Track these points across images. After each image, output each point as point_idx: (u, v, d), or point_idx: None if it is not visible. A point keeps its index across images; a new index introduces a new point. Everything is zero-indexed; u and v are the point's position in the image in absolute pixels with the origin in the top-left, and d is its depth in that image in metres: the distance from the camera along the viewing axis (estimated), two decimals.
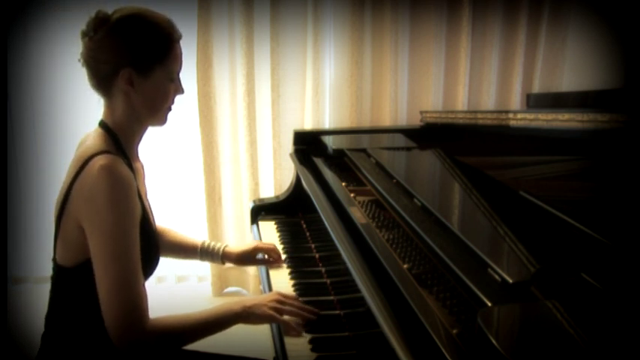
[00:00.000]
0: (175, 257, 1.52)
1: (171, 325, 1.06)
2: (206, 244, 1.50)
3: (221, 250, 1.49)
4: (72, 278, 1.11)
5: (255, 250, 1.52)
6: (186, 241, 1.50)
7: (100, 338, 1.08)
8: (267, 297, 1.19)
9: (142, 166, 1.30)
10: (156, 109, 1.16)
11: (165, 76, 1.14)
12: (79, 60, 1.11)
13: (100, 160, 1.02)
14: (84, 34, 1.09)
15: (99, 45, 1.08)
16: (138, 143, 1.22)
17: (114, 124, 1.14)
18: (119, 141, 1.14)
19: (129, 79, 1.10)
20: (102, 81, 1.11)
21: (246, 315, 1.13)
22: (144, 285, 1.05)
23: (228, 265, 1.55)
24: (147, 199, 1.26)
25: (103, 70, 1.10)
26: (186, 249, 1.49)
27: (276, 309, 1.15)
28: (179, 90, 1.19)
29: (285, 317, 1.15)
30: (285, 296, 1.20)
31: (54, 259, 1.14)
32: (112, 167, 1.02)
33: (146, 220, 1.15)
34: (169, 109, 1.20)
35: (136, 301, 1.01)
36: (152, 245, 1.18)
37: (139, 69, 1.10)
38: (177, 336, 1.07)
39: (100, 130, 1.14)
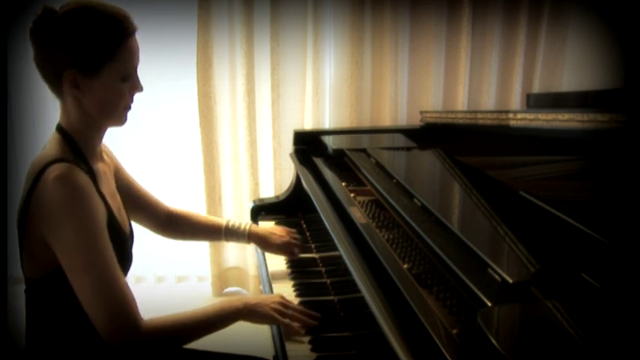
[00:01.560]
0: (199, 239, 1.53)
1: (168, 323, 1.05)
2: (230, 223, 1.48)
3: (247, 229, 1.48)
4: (43, 290, 1.09)
5: (289, 244, 1.49)
6: (211, 222, 1.49)
7: (84, 346, 1.07)
8: (271, 297, 1.18)
9: (108, 164, 1.23)
10: (108, 110, 1.08)
11: (115, 75, 1.04)
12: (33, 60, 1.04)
13: (53, 171, 0.98)
14: (30, 32, 1.01)
15: (43, 44, 1.01)
16: (98, 144, 1.16)
17: (69, 127, 1.08)
18: (76, 144, 1.08)
19: (73, 81, 1.02)
20: (50, 83, 1.05)
21: (248, 312, 1.12)
22: (127, 285, 1.02)
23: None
24: (114, 199, 1.19)
25: (49, 71, 1.03)
26: (211, 230, 1.48)
27: (278, 311, 1.14)
28: (137, 88, 1.10)
29: (286, 321, 1.14)
30: (288, 300, 1.19)
31: (23, 273, 1.11)
32: (66, 177, 0.98)
33: (113, 221, 1.11)
34: (127, 108, 1.11)
35: (121, 304, 0.99)
36: (123, 245, 1.14)
37: (83, 70, 1.01)
38: (176, 334, 1.06)
39: (56, 135, 1.09)
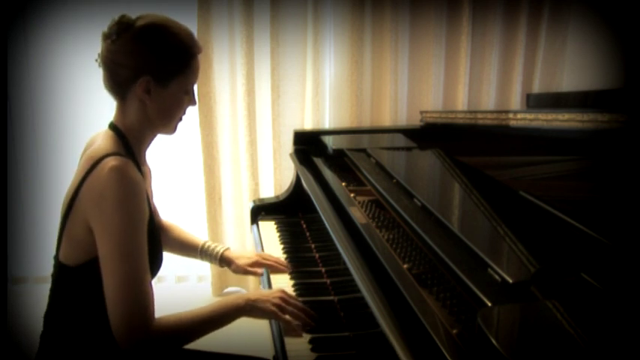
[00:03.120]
0: (178, 254, 1.52)
1: (175, 323, 1.07)
2: (206, 245, 1.50)
3: (220, 253, 1.49)
4: (74, 277, 1.11)
5: (257, 264, 1.49)
6: (190, 239, 1.51)
7: (100, 338, 1.08)
8: (271, 292, 1.19)
9: (149, 170, 1.31)
10: (169, 118, 1.17)
11: (181, 88, 1.15)
12: (96, 60, 1.12)
13: (111, 161, 1.03)
14: (106, 37, 1.09)
15: (121, 49, 1.08)
16: (147, 148, 1.23)
17: (124, 128, 1.15)
18: (129, 144, 1.14)
19: (147, 87, 1.10)
20: (118, 85, 1.12)
21: (250, 308, 1.14)
22: (151, 285, 1.05)
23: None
24: (153, 201, 1.27)
25: (122, 74, 1.10)
26: (189, 247, 1.50)
27: (279, 306, 1.15)
28: (192, 101, 1.21)
29: (287, 317, 1.15)
30: (289, 296, 1.20)
31: (56, 257, 1.14)
32: (122, 169, 1.02)
33: (152, 222, 1.15)
34: (180, 120, 1.21)
35: (143, 302, 1.01)
36: (157, 246, 1.19)
37: (158, 79, 1.10)
38: (183, 334, 1.08)
39: (110, 132, 1.14)
